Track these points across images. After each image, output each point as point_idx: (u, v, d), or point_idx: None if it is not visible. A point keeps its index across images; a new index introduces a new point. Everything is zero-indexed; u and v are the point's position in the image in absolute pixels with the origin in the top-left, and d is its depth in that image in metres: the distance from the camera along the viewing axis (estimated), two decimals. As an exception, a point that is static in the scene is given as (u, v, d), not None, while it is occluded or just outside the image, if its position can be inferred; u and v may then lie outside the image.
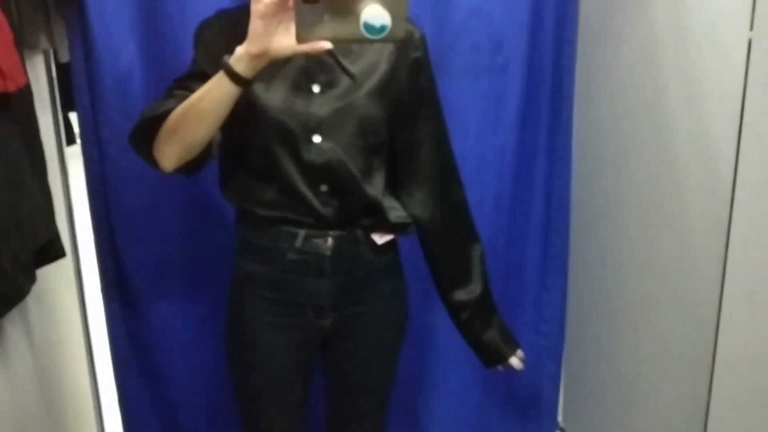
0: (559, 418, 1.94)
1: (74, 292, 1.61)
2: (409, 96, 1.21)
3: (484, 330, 1.34)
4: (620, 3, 1.57)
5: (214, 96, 1.05)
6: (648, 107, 1.49)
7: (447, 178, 1.29)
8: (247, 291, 1.23)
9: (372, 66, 1.16)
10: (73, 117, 1.57)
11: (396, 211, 1.23)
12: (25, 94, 1.23)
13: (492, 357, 1.35)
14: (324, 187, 1.16)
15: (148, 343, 1.61)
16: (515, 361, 1.35)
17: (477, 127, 1.63)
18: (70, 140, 1.70)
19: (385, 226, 1.22)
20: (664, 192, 1.46)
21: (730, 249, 1.23)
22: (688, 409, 1.40)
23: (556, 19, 1.60)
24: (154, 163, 1.16)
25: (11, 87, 1.11)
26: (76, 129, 1.53)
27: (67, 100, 1.50)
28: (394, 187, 1.26)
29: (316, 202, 1.16)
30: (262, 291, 1.21)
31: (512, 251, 1.73)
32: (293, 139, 1.13)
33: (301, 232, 1.17)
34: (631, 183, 1.59)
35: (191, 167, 1.17)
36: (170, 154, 1.12)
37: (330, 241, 1.18)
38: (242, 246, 1.24)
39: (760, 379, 1.24)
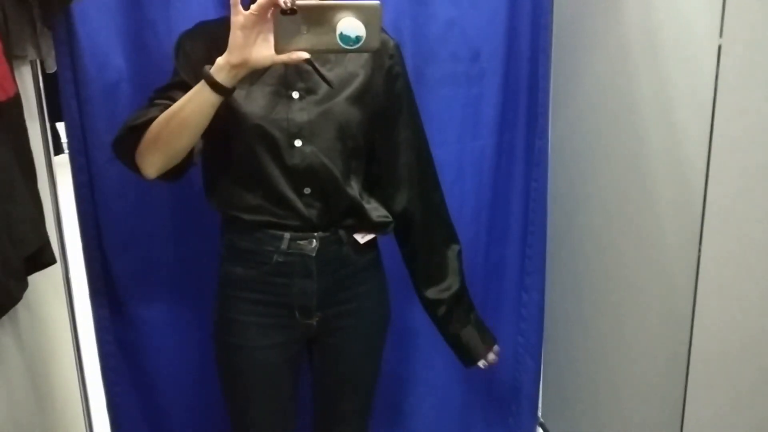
0: (539, 413, 1.97)
1: (63, 299, 1.62)
2: (386, 103, 1.24)
3: (461, 327, 1.37)
4: (593, 11, 1.60)
5: (195, 105, 1.07)
6: (621, 112, 1.52)
7: (426, 181, 1.33)
8: (235, 294, 1.25)
9: (349, 73, 1.20)
10: (61, 127, 1.59)
11: (377, 211, 1.27)
12: (15, 103, 1.24)
13: (469, 354, 1.38)
14: (307, 190, 1.19)
15: (136, 349, 1.62)
16: (491, 356, 1.38)
17: (457, 132, 1.67)
18: (58, 150, 1.70)
19: (367, 226, 1.26)
20: (637, 193, 1.49)
21: (703, 245, 1.24)
22: (664, 403, 1.43)
23: (532, 29, 1.63)
24: (137, 170, 1.18)
25: (1, 96, 1.13)
26: (64, 139, 1.54)
27: (55, 110, 1.52)
28: (374, 189, 1.30)
29: (300, 205, 1.19)
30: (250, 293, 1.24)
31: (492, 252, 1.77)
32: (276, 145, 1.16)
33: (287, 235, 1.20)
34: (605, 185, 1.62)
35: (173, 174, 1.19)
36: (153, 161, 1.15)
37: (315, 242, 1.21)
38: (229, 250, 1.26)
39: (735, 372, 1.27)
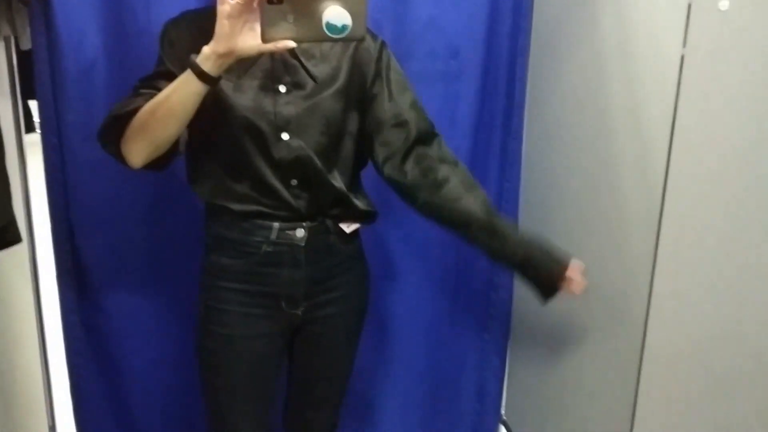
0: (502, 411, 1.99)
1: (29, 279, 1.60)
2: (369, 92, 1.23)
3: (507, 240, 1.28)
4: (571, 19, 1.64)
5: (181, 94, 1.06)
6: (593, 116, 1.55)
7: (435, 136, 1.28)
8: (220, 284, 1.24)
9: (334, 69, 1.21)
10: (33, 105, 1.57)
11: (363, 201, 1.28)
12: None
13: (531, 270, 1.28)
14: (294, 182, 1.20)
15: (102, 333, 1.61)
16: (575, 273, 1.25)
17: (432, 130, 1.69)
18: (29, 128, 1.68)
19: (353, 216, 1.27)
20: (602, 193, 1.52)
21: (659, 249, 1.29)
22: (617, 401, 1.47)
23: (511, 31, 1.65)
24: (122, 160, 1.17)
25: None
26: (36, 117, 1.52)
27: (27, 88, 1.50)
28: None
29: (288, 196, 1.19)
30: (236, 284, 1.23)
31: (462, 250, 1.77)
32: (263, 138, 1.16)
33: (276, 225, 1.20)
34: (573, 186, 1.65)
35: (159, 164, 1.18)
36: (138, 151, 1.14)
37: (303, 231, 1.22)
38: (214, 240, 1.25)
39: (685, 374, 1.31)
